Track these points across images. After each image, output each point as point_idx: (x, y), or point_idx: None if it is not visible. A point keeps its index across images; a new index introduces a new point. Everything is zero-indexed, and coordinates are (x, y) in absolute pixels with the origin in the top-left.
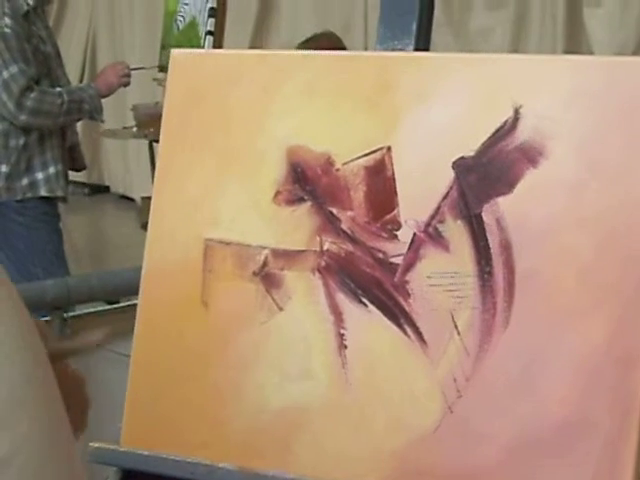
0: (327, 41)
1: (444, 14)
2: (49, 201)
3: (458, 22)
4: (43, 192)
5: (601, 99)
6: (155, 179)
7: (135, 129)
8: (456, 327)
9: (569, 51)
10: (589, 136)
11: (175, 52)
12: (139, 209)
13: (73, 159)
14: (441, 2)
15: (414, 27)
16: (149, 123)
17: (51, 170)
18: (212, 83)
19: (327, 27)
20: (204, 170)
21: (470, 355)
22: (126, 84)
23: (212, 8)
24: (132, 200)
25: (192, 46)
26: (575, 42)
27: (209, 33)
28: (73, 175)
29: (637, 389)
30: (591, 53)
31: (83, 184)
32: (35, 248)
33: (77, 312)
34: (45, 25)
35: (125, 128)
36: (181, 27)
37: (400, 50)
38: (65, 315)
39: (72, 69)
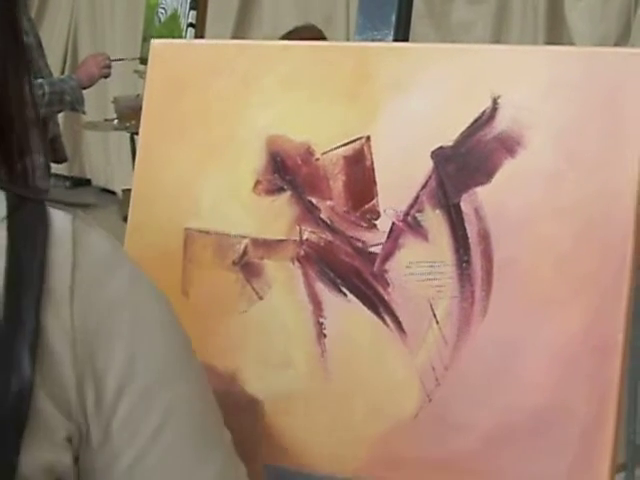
0: (308, 33)
1: (425, 6)
2: None
3: (439, 14)
4: None
5: (579, 90)
6: (135, 169)
7: (116, 121)
8: (435, 316)
9: (550, 44)
10: (567, 126)
11: (155, 42)
12: (120, 202)
13: (54, 151)
14: None
15: (393, 18)
16: (130, 115)
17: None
18: (192, 73)
19: (309, 19)
20: (184, 160)
21: (448, 344)
22: (107, 75)
23: (194, 0)
24: (113, 193)
25: (174, 38)
26: (556, 35)
27: (191, 25)
28: (54, 168)
29: (614, 377)
30: (572, 45)
31: (64, 177)
32: None
33: None
34: (27, 17)
35: (106, 120)
36: (163, 19)
37: (379, 40)
38: None
39: (54, 61)
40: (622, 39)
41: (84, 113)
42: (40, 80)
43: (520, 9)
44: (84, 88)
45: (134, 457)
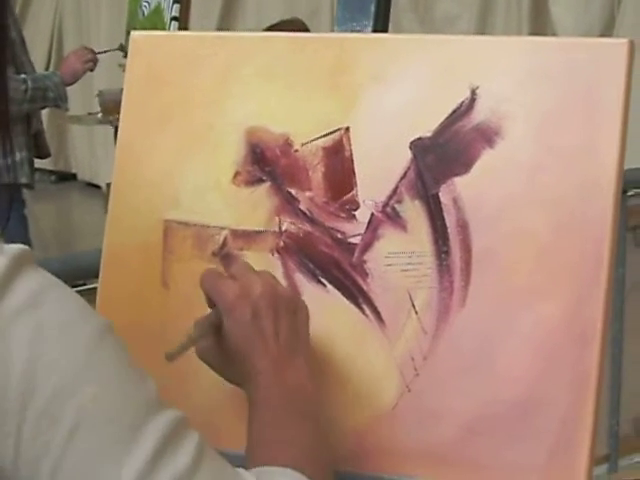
0: (292, 27)
1: (410, 1)
2: (12, 187)
3: (424, 8)
4: (6, 179)
5: (558, 80)
6: (115, 161)
7: (100, 115)
8: (414, 306)
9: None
10: (546, 117)
11: (135, 34)
12: (105, 196)
13: (37, 146)
14: None
15: (372, 9)
16: (114, 109)
17: (16, 157)
18: (172, 65)
19: (294, 13)
20: (163, 152)
21: (427, 334)
22: (91, 69)
23: None
24: (99, 187)
25: None
26: (540, 28)
27: (174, 19)
28: (40, 162)
29: (593, 367)
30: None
31: (50, 172)
32: None
33: None
34: (10, 11)
35: (90, 114)
36: (146, 13)
37: (359, 31)
38: None
39: (38, 56)
40: (606, 31)
41: (67, 110)
42: (23, 76)
43: (504, 2)
44: (69, 84)
45: (52, 466)
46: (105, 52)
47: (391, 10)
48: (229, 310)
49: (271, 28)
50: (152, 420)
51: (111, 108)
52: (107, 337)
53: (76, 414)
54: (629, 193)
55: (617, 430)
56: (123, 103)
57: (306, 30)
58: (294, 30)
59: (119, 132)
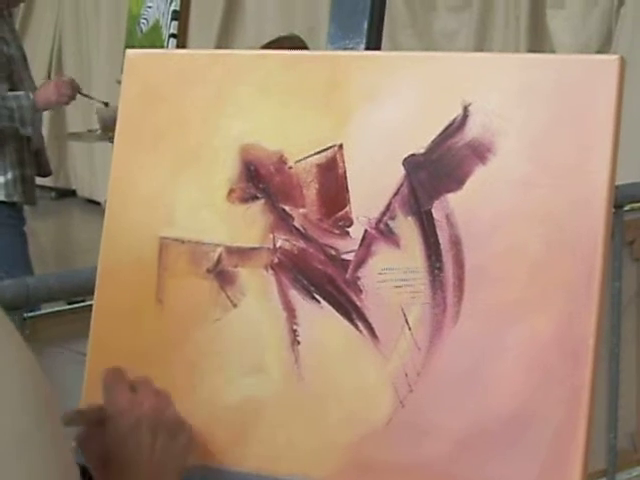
0: (290, 43)
1: (408, 16)
2: (12, 205)
3: (422, 24)
4: (2, 197)
5: (550, 97)
6: (110, 179)
7: (99, 132)
8: (407, 322)
9: (532, 52)
10: (538, 133)
11: (129, 52)
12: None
13: (39, 165)
14: (404, 4)
15: (365, 26)
16: (113, 126)
17: (9, 175)
18: (166, 83)
19: (292, 29)
20: (159, 169)
21: (421, 350)
22: (66, 103)
23: (175, 11)
24: (98, 204)
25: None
26: (538, 44)
27: (172, 36)
28: (40, 179)
29: (585, 382)
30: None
31: (50, 188)
32: None
33: (36, 312)
34: (11, 28)
35: (90, 131)
36: (144, 30)
37: (352, 49)
38: (24, 315)
39: (38, 72)
40: (604, 48)
41: (28, 134)
42: None
43: (502, 18)
44: (39, 110)
45: None
46: (89, 97)
47: (389, 26)
48: (113, 415)
49: (269, 45)
50: None
51: (110, 125)
52: (44, 424)
53: None
54: (625, 208)
55: (615, 444)
56: (118, 121)
57: (304, 46)
58: (292, 47)
59: (114, 149)
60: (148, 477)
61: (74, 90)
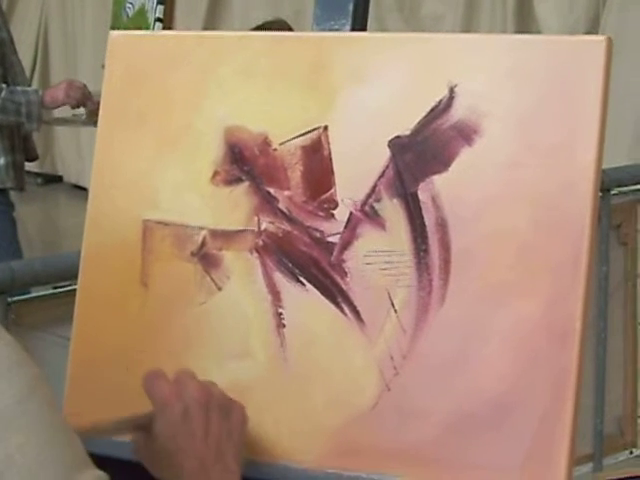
0: (277, 27)
1: (395, 0)
2: (2, 191)
3: (409, 8)
4: None
5: (537, 78)
6: (94, 161)
7: (85, 117)
8: (393, 305)
9: None
10: (526, 115)
11: (113, 34)
12: None
13: (26, 149)
14: None
15: (350, 7)
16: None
17: (2, 161)
18: (151, 64)
19: (279, 14)
20: (143, 151)
21: (407, 333)
22: (72, 106)
23: None
24: (85, 189)
25: None
26: (525, 27)
27: (158, 20)
28: (26, 165)
29: (572, 365)
30: None
31: (36, 174)
32: None
33: (21, 297)
34: (0, 11)
35: (75, 115)
36: (130, 14)
37: (337, 30)
38: (9, 300)
39: (25, 56)
40: (591, 31)
41: (35, 130)
42: (3, 85)
43: (489, 2)
44: (46, 107)
45: None
46: (79, 116)
47: (376, 9)
48: (160, 408)
49: (256, 29)
50: (76, 478)
51: (95, 109)
52: (36, 391)
53: (1, 462)
54: (613, 192)
55: (602, 429)
56: (102, 103)
57: (290, 30)
58: (278, 31)
59: (98, 132)
60: (208, 460)
61: (84, 95)
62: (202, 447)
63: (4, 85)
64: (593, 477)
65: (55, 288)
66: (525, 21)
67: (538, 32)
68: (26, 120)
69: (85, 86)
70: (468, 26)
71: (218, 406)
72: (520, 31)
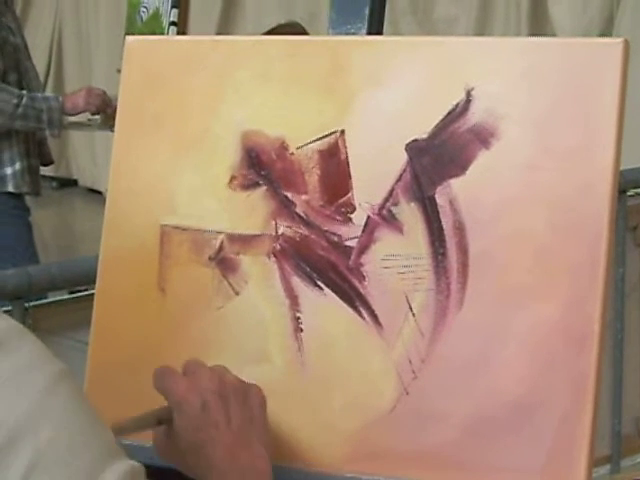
0: (291, 30)
1: (409, 3)
2: (18, 195)
3: (422, 11)
4: (10, 188)
5: (554, 80)
6: (111, 165)
7: (100, 121)
8: (411, 309)
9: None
10: (542, 117)
11: (129, 39)
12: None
13: (41, 154)
14: None
15: (366, 11)
16: (114, 115)
17: (17, 166)
18: (167, 69)
19: (293, 15)
20: (160, 156)
21: (425, 336)
22: (92, 112)
23: None
24: (100, 193)
25: None
26: (539, 29)
27: (173, 24)
28: (41, 169)
29: (591, 367)
30: None
31: (51, 178)
32: (4, 243)
33: (38, 302)
34: (14, 17)
35: (90, 120)
36: (144, 18)
37: (353, 34)
38: (26, 305)
39: (39, 62)
40: (605, 32)
41: (56, 136)
42: (23, 92)
43: (503, 4)
44: (66, 114)
45: None
46: (89, 122)
47: (390, 13)
48: (178, 404)
49: (269, 33)
50: (108, 468)
51: (110, 114)
52: (63, 383)
53: (32, 456)
54: (629, 193)
55: (619, 430)
56: (119, 108)
57: (305, 33)
58: (293, 33)
59: (115, 137)
60: (236, 447)
61: (104, 102)
62: (228, 434)
63: (24, 92)
64: (611, 479)
65: (71, 293)
66: (539, 22)
67: (552, 33)
68: (47, 126)
69: (104, 93)
70: (482, 28)
71: (234, 392)
72: (534, 32)
